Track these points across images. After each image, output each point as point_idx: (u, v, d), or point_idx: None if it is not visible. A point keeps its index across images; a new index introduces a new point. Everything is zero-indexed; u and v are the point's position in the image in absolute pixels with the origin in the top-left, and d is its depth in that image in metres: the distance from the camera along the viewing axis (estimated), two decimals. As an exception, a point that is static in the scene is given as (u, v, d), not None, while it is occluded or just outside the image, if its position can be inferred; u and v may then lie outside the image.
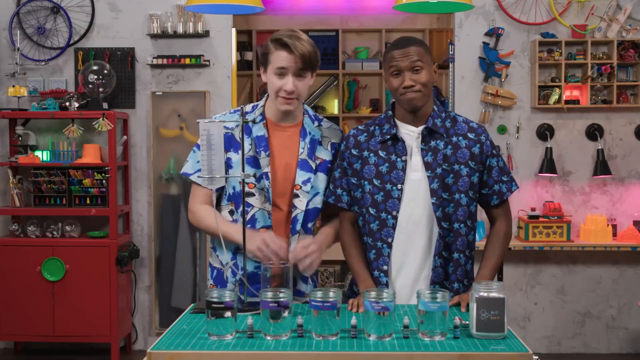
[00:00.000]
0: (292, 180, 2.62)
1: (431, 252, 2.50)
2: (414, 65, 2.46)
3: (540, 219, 5.03)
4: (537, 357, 1.97)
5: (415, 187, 2.50)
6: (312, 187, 2.63)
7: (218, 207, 2.69)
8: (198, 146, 2.66)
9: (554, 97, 5.11)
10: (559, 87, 5.11)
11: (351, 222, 2.63)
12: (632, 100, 5.14)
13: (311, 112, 2.74)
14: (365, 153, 2.57)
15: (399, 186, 2.50)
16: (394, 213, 2.50)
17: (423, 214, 2.50)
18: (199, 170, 2.63)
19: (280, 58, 2.54)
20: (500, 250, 2.58)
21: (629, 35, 5.09)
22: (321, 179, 2.65)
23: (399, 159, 2.52)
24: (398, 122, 2.56)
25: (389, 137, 2.54)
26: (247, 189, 2.59)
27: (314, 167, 2.64)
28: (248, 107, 2.72)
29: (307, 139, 2.65)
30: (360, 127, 2.65)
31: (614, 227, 5.13)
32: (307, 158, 2.64)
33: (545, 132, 5.21)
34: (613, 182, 5.26)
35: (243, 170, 2.43)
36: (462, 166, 2.51)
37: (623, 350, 5.30)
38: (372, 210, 2.53)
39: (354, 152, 2.59)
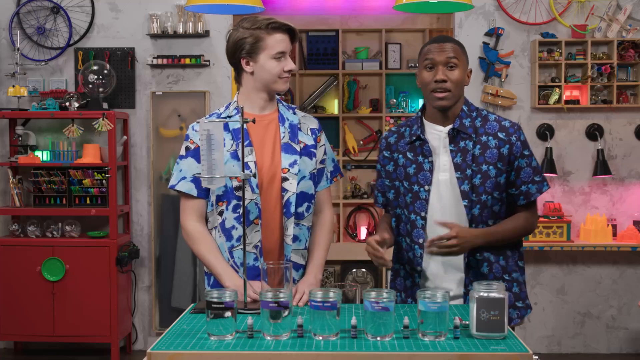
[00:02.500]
0: (278, 165, 2.63)
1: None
2: (449, 61, 2.46)
3: (541, 219, 5.03)
4: (537, 357, 1.97)
5: (442, 188, 2.50)
6: (299, 169, 2.63)
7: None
8: (181, 157, 2.68)
9: (554, 97, 5.11)
10: (559, 87, 5.11)
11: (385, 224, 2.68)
12: (632, 100, 5.14)
13: (283, 102, 2.78)
14: (395, 155, 2.60)
15: (426, 187, 2.50)
16: (422, 214, 2.50)
17: (452, 214, 2.49)
18: (183, 178, 2.65)
19: (279, 42, 2.58)
20: (514, 224, 2.53)
21: (629, 35, 5.09)
22: (307, 163, 2.67)
23: (425, 160, 2.52)
24: (426, 122, 2.56)
25: (415, 138, 2.54)
26: (236, 182, 2.60)
27: (298, 150, 2.65)
28: (221, 109, 2.73)
29: (286, 124, 2.68)
30: (393, 128, 2.68)
31: (614, 227, 5.13)
32: (289, 141, 2.65)
33: (545, 132, 5.21)
34: (613, 182, 5.26)
35: (243, 170, 2.43)
36: (490, 167, 2.48)
37: (623, 350, 5.30)
38: (404, 211, 2.56)
39: (385, 154, 2.63)
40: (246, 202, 2.60)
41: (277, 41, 2.58)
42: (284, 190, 2.62)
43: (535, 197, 2.55)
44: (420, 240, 2.51)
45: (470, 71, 2.57)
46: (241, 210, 2.61)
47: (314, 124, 2.76)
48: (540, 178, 2.55)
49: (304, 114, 2.79)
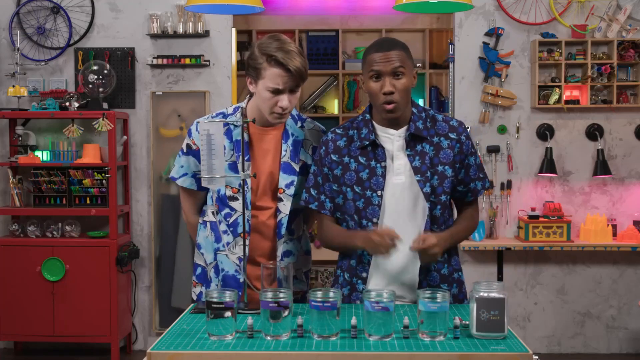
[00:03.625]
0: (275, 184, 2.61)
1: (417, 257, 2.43)
2: (396, 70, 2.39)
3: (540, 219, 5.03)
4: (537, 357, 1.97)
5: (397, 192, 2.45)
6: (295, 191, 2.61)
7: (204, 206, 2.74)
8: (182, 150, 2.68)
9: (554, 97, 5.11)
10: (559, 87, 5.11)
11: (332, 223, 2.59)
12: (632, 100, 5.14)
13: (294, 111, 2.69)
14: (346, 159, 2.50)
15: (379, 192, 2.44)
16: (374, 220, 2.44)
17: (407, 218, 2.45)
18: (184, 174, 2.66)
19: (274, 77, 2.46)
20: (467, 223, 2.57)
21: (629, 35, 5.09)
22: (302, 181, 2.63)
23: (378, 165, 2.45)
24: (376, 126, 2.49)
25: (367, 142, 2.47)
26: (230, 192, 2.59)
27: (297, 170, 2.62)
28: (230, 109, 2.68)
29: (290, 141, 2.62)
30: (338, 130, 2.56)
31: (614, 227, 5.13)
32: (289, 161, 2.61)
33: (545, 132, 5.21)
34: (613, 182, 5.26)
35: (243, 170, 2.43)
36: (446, 167, 2.47)
37: (623, 350, 5.30)
38: (355, 217, 2.48)
39: (334, 157, 2.51)
40: (239, 215, 2.59)
41: (275, 75, 2.47)
42: (278, 210, 2.61)
43: (481, 194, 2.58)
44: None
45: (416, 72, 2.52)
46: (231, 220, 2.61)
47: (319, 141, 2.67)
48: (484, 175, 2.58)
49: (314, 125, 2.71)
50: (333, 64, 6.14)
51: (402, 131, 2.47)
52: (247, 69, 2.56)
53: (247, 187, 2.56)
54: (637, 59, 5.07)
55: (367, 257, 2.48)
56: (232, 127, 2.60)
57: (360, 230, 2.46)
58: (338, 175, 2.51)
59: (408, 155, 2.46)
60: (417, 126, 2.46)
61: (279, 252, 2.61)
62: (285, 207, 2.60)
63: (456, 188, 2.54)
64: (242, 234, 2.52)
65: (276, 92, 2.49)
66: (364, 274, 2.49)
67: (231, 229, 2.61)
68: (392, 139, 2.47)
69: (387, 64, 2.40)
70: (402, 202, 2.45)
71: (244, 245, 2.44)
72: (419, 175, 2.44)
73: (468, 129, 2.57)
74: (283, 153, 2.61)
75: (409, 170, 2.45)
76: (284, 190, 2.60)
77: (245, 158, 2.57)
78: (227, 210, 2.61)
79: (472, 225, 2.61)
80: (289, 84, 2.49)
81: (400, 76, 2.40)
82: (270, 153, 2.62)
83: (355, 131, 2.52)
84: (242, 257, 2.53)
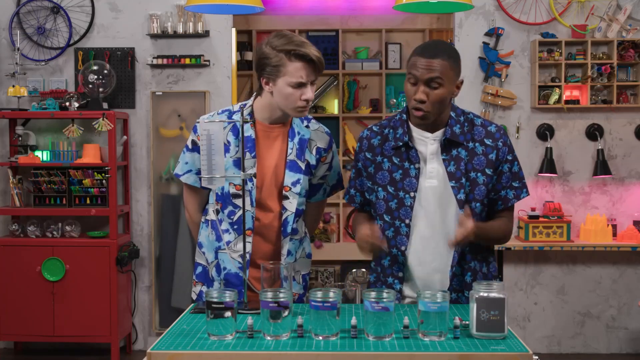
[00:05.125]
0: (280, 182, 2.61)
1: (448, 262, 2.45)
2: (433, 80, 2.34)
3: (540, 219, 5.03)
4: (537, 357, 1.97)
5: (428, 195, 2.44)
6: (301, 188, 2.61)
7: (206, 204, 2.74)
8: (187, 147, 2.69)
9: (554, 97, 5.11)
10: (559, 87, 5.11)
11: (361, 216, 2.61)
12: (632, 100, 5.14)
13: None
14: (379, 158, 2.50)
15: (412, 194, 2.43)
16: (407, 221, 2.45)
17: (435, 222, 2.45)
18: (189, 171, 2.67)
19: (297, 71, 2.46)
20: (499, 224, 2.50)
21: (629, 35, 5.09)
22: (306, 181, 2.64)
23: (412, 166, 2.45)
24: (412, 127, 2.47)
25: (401, 143, 2.46)
26: (234, 190, 2.59)
27: (303, 168, 2.62)
28: (236, 107, 2.68)
29: (296, 140, 2.62)
30: (374, 128, 2.56)
31: (614, 227, 5.13)
32: (295, 159, 2.61)
33: (545, 132, 5.21)
34: (613, 182, 5.26)
35: (243, 170, 2.43)
36: (478, 174, 2.43)
37: (623, 350, 5.30)
38: (386, 217, 2.48)
39: (367, 155, 2.53)
40: (239, 211, 2.60)
41: (298, 69, 2.46)
42: (284, 208, 2.61)
43: (513, 203, 2.50)
44: (403, 248, 2.46)
45: (461, 82, 2.48)
46: (235, 218, 2.61)
47: (324, 142, 2.68)
48: (520, 184, 2.50)
49: (319, 127, 2.71)
50: (333, 64, 6.14)
51: (438, 134, 2.45)
52: (260, 69, 2.53)
53: (253, 184, 2.56)
54: (637, 59, 5.07)
55: (401, 257, 2.48)
56: (238, 124, 2.59)
57: (364, 225, 2.44)
58: (371, 173, 2.52)
59: (443, 160, 2.43)
60: (454, 131, 2.43)
61: (284, 251, 2.62)
62: (292, 204, 2.60)
63: (490, 196, 2.48)
64: (246, 232, 2.53)
65: (299, 85, 2.48)
66: (400, 274, 2.50)
67: (235, 226, 2.61)
68: (427, 142, 2.45)
69: (425, 71, 2.34)
70: (434, 206, 2.45)
71: (244, 242, 2.43)
72: (454, 182, 2.42)
73: (507, 137, 2.50)
74: (289, 151, 2.61)
75: (442, 175, 2.43)
76: (290, 188, 2.60)
77: (252, 155, 2.57)
78: (230, 207, 2.61)
79: (504, 229, 2.52)
80: (311, 76, 2.49)
81: (437, 87, 2.35)
82: (276, 151, 2.62)
83: (391, 130, 2.51)
84: (246, 255, 2.54)
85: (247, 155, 2.57)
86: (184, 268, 5.26)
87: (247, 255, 2.57)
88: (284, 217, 2.61)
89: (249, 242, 2.58)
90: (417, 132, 2.46)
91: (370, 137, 2.54)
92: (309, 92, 2.50)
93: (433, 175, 2.44)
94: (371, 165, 2.52)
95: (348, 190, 2.62)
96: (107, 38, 5.30)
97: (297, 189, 2.60)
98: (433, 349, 1.94)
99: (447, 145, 2.44)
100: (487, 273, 2.55)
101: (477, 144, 2.44)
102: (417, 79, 2.35)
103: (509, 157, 2.47)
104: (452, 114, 2.46)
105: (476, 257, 2.50)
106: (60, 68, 5.32)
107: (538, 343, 5.29)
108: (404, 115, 2.50)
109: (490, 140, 2.45)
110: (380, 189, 2.49)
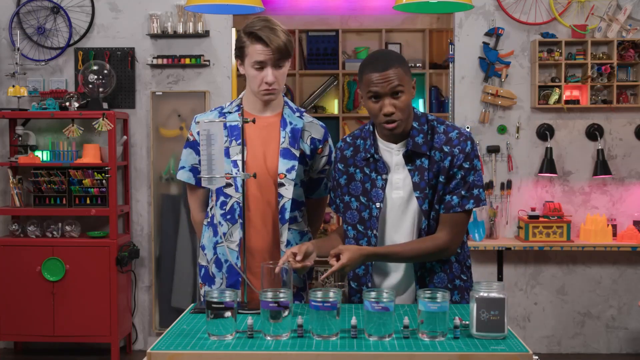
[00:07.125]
0: (274, 170, 2.63)
1: (411, 271, 2.47)
2: (395, 89, 2.32)
3: (540, 219, 5.03)
4: (537, 357, 1.97)
5: (396, 206, 2.45)
6: (297, 175, 2.63)
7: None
8: (185, 145, 2.73)
9: (554, 97, 5.11)
10: (559, 87, 5.11)
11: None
12: (632, 100, 5.14)
13: (292, 104, 2.74)
14: (352, 169, 2.51)
15: (378, 204, 2.43)
16: (375, 231, 2.46)
17: (403, 232, 2.45)
18: (182, 168, 2.74)
19: (257, 52, 2.53)
20: (417, 248, 2.37)
21: (629, 35, 5.09)
22: (300, 170, 2.66)
23: (379, 177, 2.45)
24: (378, 139, 2.47)
25: (369, 155, 2.46)
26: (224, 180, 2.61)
27: (297, 155, 2.64)
28: (226, 104, 2.75)
29: (288, 129, 2.65)
30: (347, 139, 2.57)
31: (614, 227, 5.13)
32: (289, 147, 2.63)
33: (545, 132, 5.21)
34: (613, 182, 5.26)
35: (243, 170, 2.43)
36: (435, 180, 2.42)
37: (623, 350, 5.30)
38: (359, 227, 2.49)
39: (339, 166, 2.54)
40: (234, 200, 2.62)
41: (257, 51, 2.54)
42: (280, 196, 2.62)
43: (456, 211, 2.39)
44: None
45: (414, 81, 2.42)
46: (227, 208, 2.63)
47: (318, 133, 2.72)
48: (468, 194, 2.40)
49: (312, 120, 2.74)
50: (333, 64, 6.15)
51: (402, 145, 2.44)
52: (235, 53, 2.63)
53: (237, 171, 2.57)
54: (637, 59, 5.07)
55: (370, 267, 2.50)
56: (226, 115, 2.65)
57: (320, 239, 2.57)
58: (342, 184, 2.53)
59: (409, 171, 2.43)
60: (416, 142, 2.41)
61: (283, 239, 2.62)
62: (288, 191, 2.62)
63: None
64: (239, 220, 2.57)
65: (260, 67, 2.55)
66: (369, 284, 2.51)
67: (228, 216, 2.62)
68: (392, 153, 2.45)
69: (385, 84, 2.32)
70: (400, 217, 2.45)
71: (244, 249, 2.43)
72: (418, 192, 2.41)
73: (468, 144, 2.41)
74: (282, 140, 2.63)
75: (408, 185, 2.43)
76: (285, 175, 2.62)
77: (237, 142, 2.60)
78: (222, 198, 2.64)
79: (423, 249, 2.38)
80: (271, 59, 2.54)
81: (400, 94, 2.34)
82: (268, 140, 2.64)
83: (361, 141, 2.52)
84: (240, 252, 2.56)
85: (233, 142, 2.61)
86: (184, 268, 5.27)
87: (239, 245, 2.59)
88: (280, 205, 2.62)
89: (244, 231, 2.53)
90: (383, 143, 2.46)
91: (343, 149, 2.56)
92: (270, 76, 2.55)
93: (399, 186, 2.44)
94: (342, 176, 2.53)
95: (333, 199, 2.61)
96: (107, 38, 5.30)
97: (292, 175, 2.62)
98: (433, 349, 1.94)
99: (410, 156, 2.42)
100: (455, 277, 2.50)
101: (436, 152, 2.42)
102: (380, 94, 2.33)
103: (465, 165, 2.40)
104: (415, 124, 2.42)
105: (442, 267, 2.48)
106: (60, 68, 5.32)
107: (538, 343, 5.29)
108: (371, 127, 2.50)
109: (448, 147, 2.41)
110: (353, 199, 2.50)
